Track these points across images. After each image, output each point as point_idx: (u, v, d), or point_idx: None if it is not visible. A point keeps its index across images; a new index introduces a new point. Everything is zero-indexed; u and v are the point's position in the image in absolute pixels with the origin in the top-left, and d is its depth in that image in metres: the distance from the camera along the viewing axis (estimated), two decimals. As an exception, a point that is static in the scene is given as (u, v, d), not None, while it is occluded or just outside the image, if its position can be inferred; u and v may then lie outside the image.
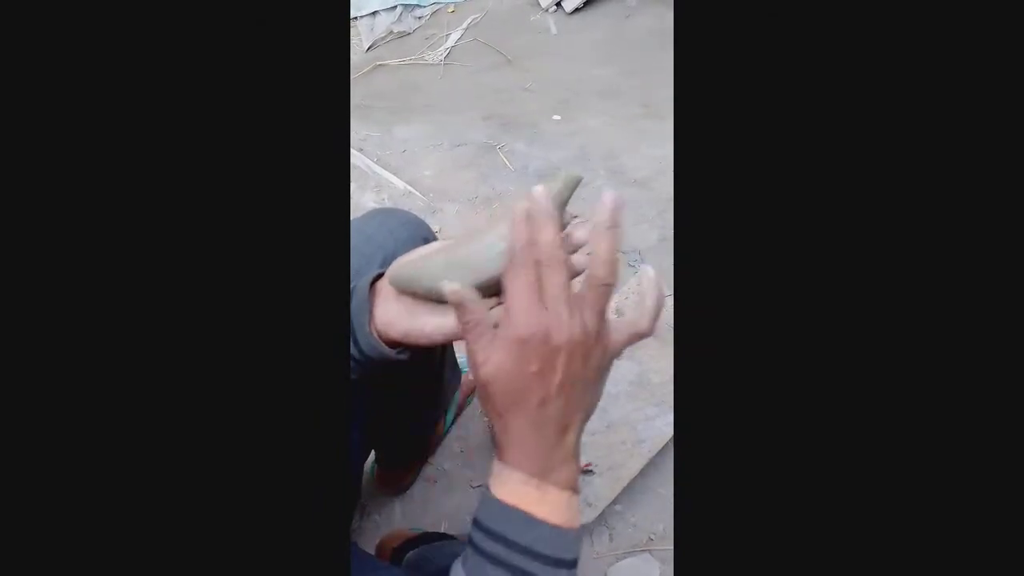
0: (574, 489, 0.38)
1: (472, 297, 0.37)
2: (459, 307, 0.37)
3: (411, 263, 0.41)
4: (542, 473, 0.36)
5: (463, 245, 0.40)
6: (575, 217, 0.42)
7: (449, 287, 0.37)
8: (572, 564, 0.37)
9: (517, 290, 0.35)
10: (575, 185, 0.40)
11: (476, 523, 0.37)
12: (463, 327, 0.37)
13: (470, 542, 0.37)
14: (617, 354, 0.38)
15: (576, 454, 0.38)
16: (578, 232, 0.39)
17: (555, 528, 0.36)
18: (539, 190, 0.36)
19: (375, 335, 0.42)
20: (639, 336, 0.37)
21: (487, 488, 0.38)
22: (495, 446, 0.38)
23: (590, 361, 0.36)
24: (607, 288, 0.35)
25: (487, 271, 0.39)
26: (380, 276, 0.44)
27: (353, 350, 0.43)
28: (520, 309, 0.35)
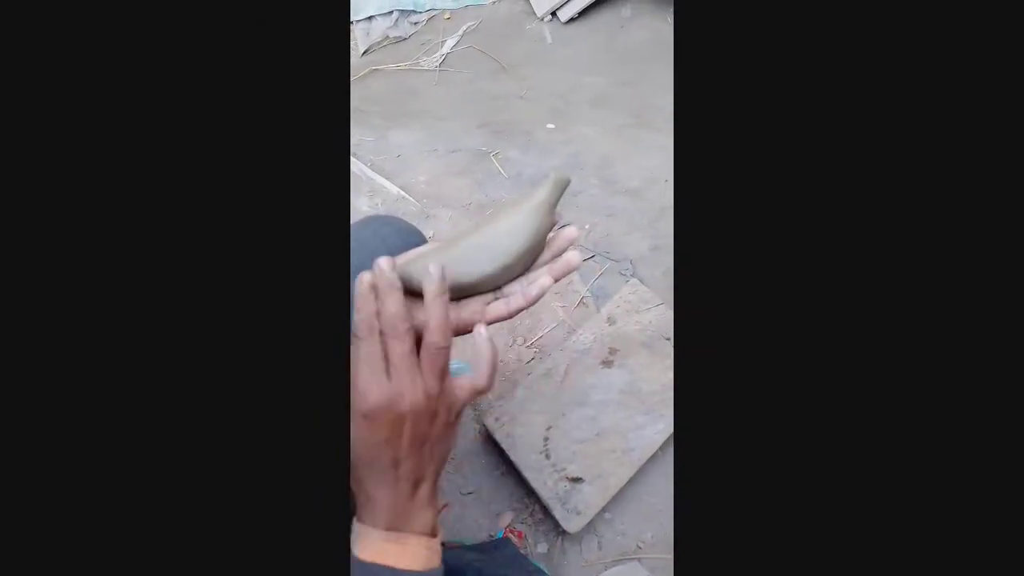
0: (433, 532, 0.41)
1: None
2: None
3: (398, 267, 0.42)
4: (400, 525, 0.40)
5: (452, 246, 0.41)
6: (565, 224, 0.43)
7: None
8: None
9: (361, 363, 0.38)
10: (564, 187, 0.42)
11: None
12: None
13: None
14: (461, 410, 0.41)
15: (432, 502, 0.42)
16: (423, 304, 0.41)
17: (418, 574, 0.39)
18: (382, 261, 0.39)
19: None
20: (480, 392, 0.41)
21: (352, 554, 0.40)
22: (356, 508, 0.41)
23: (436, 420, 0.40)
24: (444, 350, 0.38)
25: (476, 272, 0.41)
26: None
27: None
28: (365, 382, 0.38)
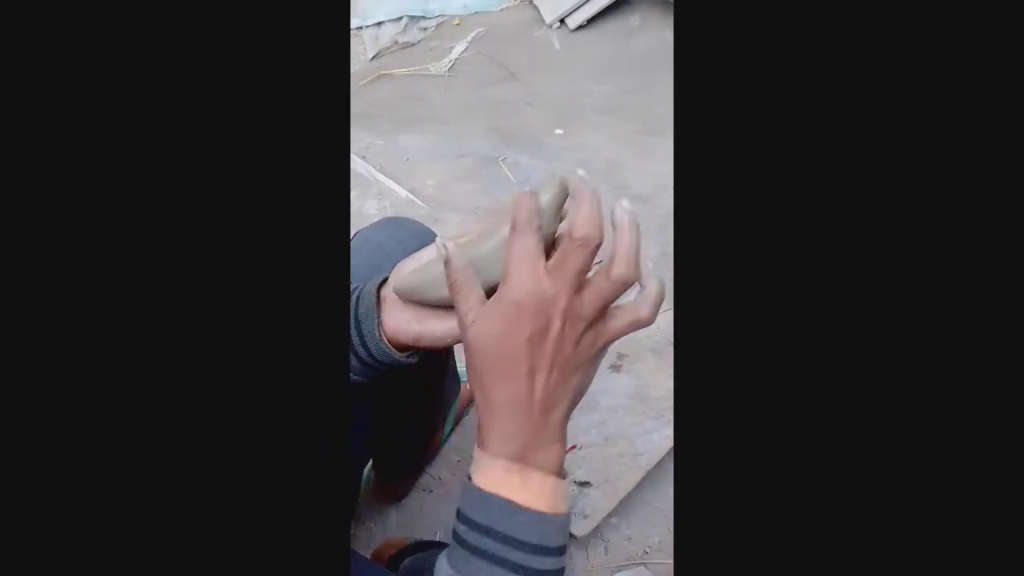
0: (559, 473, 0.36)
1: (458, 257, 0.36)
2: (448, 265, 0.36)
3: (413, 274, 0.41)
4: (524, 455, 0.35)
5: (469, 247, 0.40)
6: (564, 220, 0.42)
7: (438, 242, 0.36)
8: (558, 551, 0.36)
9: (518, 254, 0.34)
10: (568, 192, 0.39)
11: (459, 515, 0.36)
12: (451, 286, 0.36)
13: (454, 534, 0.36)
14: (613, 340, 0.37)
15: (562, 437, 0.37)
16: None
17: (539, 515, 0.35)
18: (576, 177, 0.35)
19: (384, 340, 0.42)
20: (639, 324, 0.36)
21: (468, 478, 0.36)
22: (477, 430, 0.37)
23: (584, 340, 0.35)
24: (623, 286, 0.34)
25: (494, 273, 0.39)
26: (384, 280, 0.44)
27: (363, 355, 0.43)
28: (520, 272, 0.34)
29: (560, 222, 0.40)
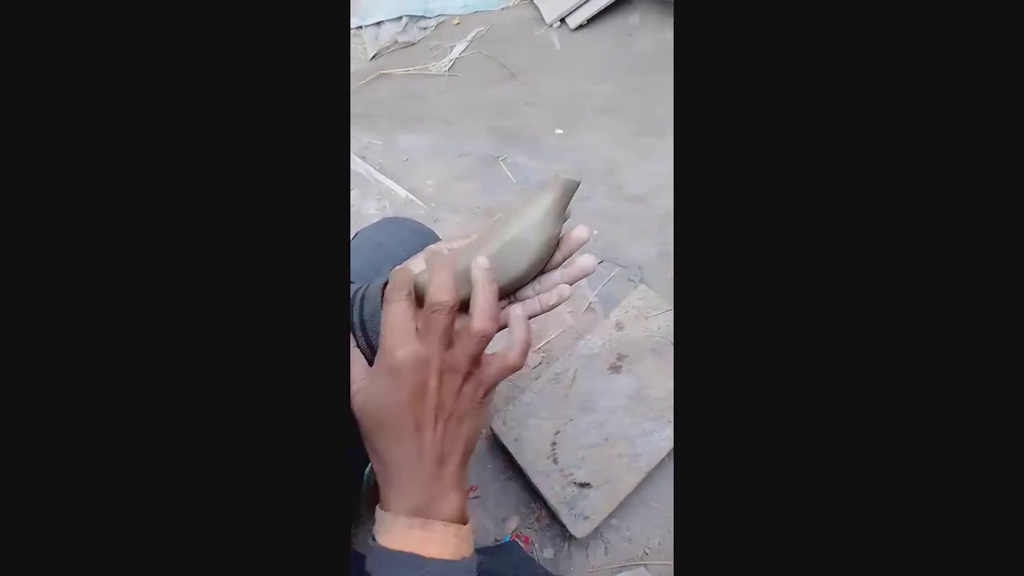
0: (461, 519, 0.38)
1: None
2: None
3: (421, 275, 0.41)
4: (424, 508, 0.37)
5: (460, 256, 0.41)
6: (570, 226, 0.43)
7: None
8: None
9: (391, 321, 0.37)
10: (574, 190, 0.41)
11: None
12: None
13: None
14: (492, 386, 0.39)
15: (459, 485, 0.39)
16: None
17: (445, 563, 0.36)
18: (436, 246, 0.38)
19: None
20: (510, 370, 0.39)
21: (373, 539, 0.37)
22: (376, 492, 0.39)
23: (464, 390, 0.38)
24: (485, 339, 0.37)
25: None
26: (387, 283, 0.44)
27: (369, 353, 0.43)
28: (392, 338, 0.36)
29: (563, 223, 0.41)
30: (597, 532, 0.88)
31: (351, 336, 0.41)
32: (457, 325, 0.38)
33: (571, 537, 0.86)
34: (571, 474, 0.88)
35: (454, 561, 0.36)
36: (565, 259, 0.42)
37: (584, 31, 1.57)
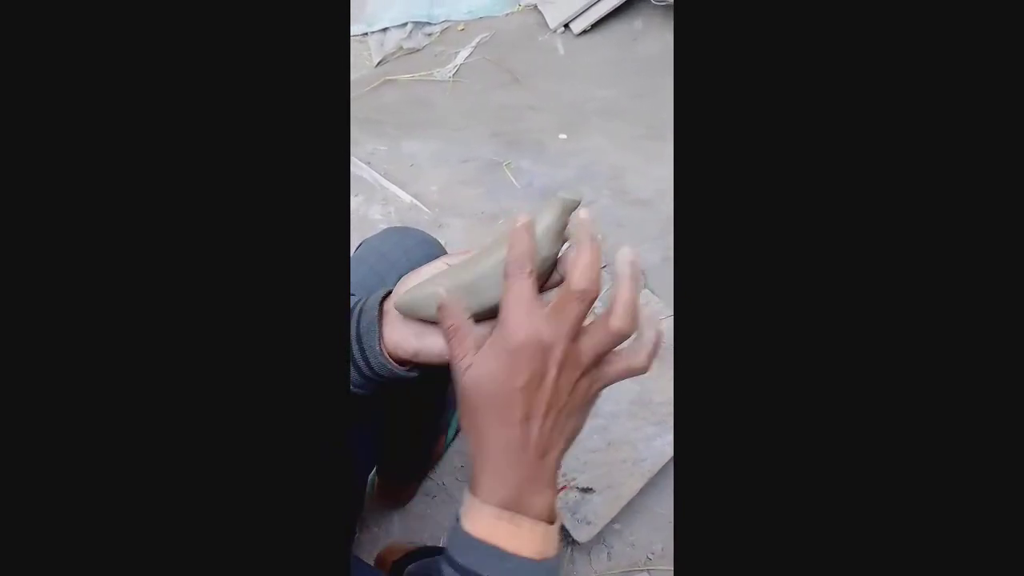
0: (550, 519, 0.36)
1: (456, 301, 0.36)
2: (441, 311, 0.36)
3: (412, 290, 0.41)
4: (516, 501, 0.35)
5: (466, 269, 0.40)
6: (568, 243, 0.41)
7: (436, 290, 0.36)
8: None
9: (514, 299, 0.34)
10: (572, 208, 0.39)
11: (447, 558, 0.36)
12: (446, 332, 0.36)
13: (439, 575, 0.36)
14: (607, 386, 0.37)
15: (554, 482, 0.37)
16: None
17: (527, 562, 0.34)
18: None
19: (385, 354, 0.42)
20: (634, 372, 0.36)
21: (457, 521, 0.36)
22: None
23: (579, 386, 0.35)
24: (620, 338, 0.34)
25: (490, 297, 0.38)
26: (388, 294, 0.44)
27: (364, 368, 0.43)
28: (516, 318, 0.34)
29: (562, 244, 0.39)
30: (600, 537, 0.88)
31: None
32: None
33: (574, 542, 0.87)
34: (574, 479, 0.88)
35: (537, 561, 0.35)
36: (563, 279, 0.40)
37: (588, 36, 1.57)
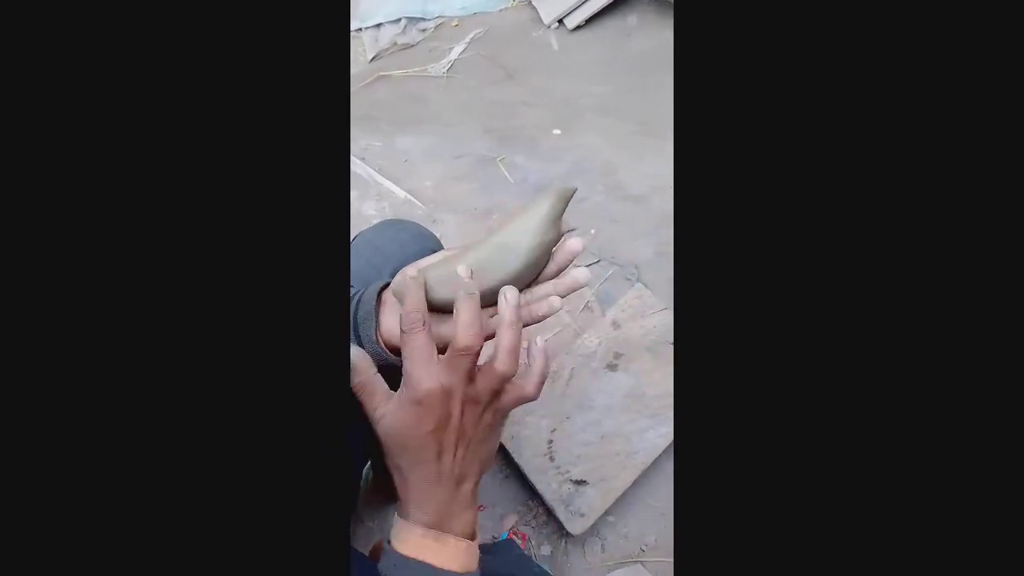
0: (471, 536, 0.41)
1: (362, 361, 0.40)
2: (353, 369, 0.39)
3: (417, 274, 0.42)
4: (440, 524, 0.39)
5: (459, 258, 0.41)
6: (571, 229, 0.43)
7: (356, 353, 0.39)
8: None
9: (415, 351, 0.38)
10: (568, 198, 0.41)
11: None
12: (356, 388, 0.40)
13: None
14: (505, 415, 0.41)
15: (472, 503, 0.41)
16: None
17: (454, 575, 0.39)
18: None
19: (381, 343, 0.44)
20: (525, 399, 0.41)
21: (388, 543, 0.40)
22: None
23: (483, 419, 0.40)
24: (506, 377, 0.39)
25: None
26: (387, 286, 0.45)
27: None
28: (418, 370, 0.38)
29: (558, 231, 0.42)
30: (594, 529, 0.89)
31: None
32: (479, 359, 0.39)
33: (568, 534, 0.87)
34: (568, 472, 0.89)
35: (461, 574, 0.39)
36: (560, 270, 0.43)
37: (582, 32, 1.58)
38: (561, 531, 0.89)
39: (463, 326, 0.37)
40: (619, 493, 0.88)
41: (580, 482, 0.88)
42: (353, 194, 1.31)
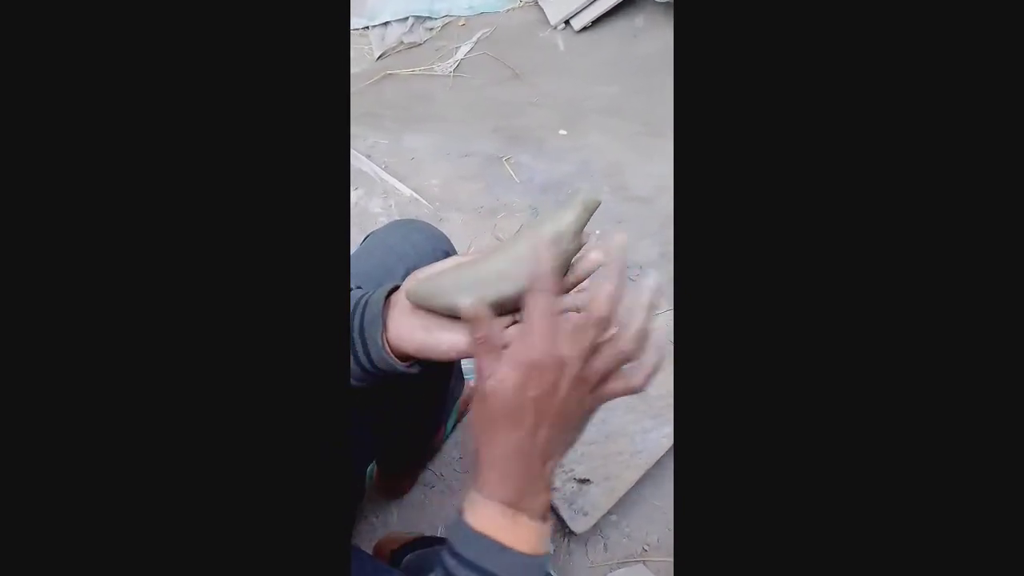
0: (544, 518, 0.40)
1: (487, 314, 0.38)
2: (473, 322, 0.38)
3: (429, 279, 0.42)
4: (517, 501, 0.38)
5: (481, 263, 0.41)
6: (593, 232, 0.43)
7: (466, 302, 0.38)
8: None
9: (538, 313, 0.36)
10: (594, 209, 0.40)
11: (449, 548, 0.38)
12: (475, 342, 0.38)
13: (441, 564, 0.38)
14: (606, 401, 0.40)
15: (550, 486, 0.40)
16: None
17: (523, 556, 0.37)
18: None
19: (387, 348, 0.43)
20: (632, 391, 0.39)
21: (460, 515, 0.39)
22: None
23: (584, 402, 0.38)
24: (627, 360, 0.37)
25: (503, 290, 0.40)
26: (395, 288, 0.44)
27: (364, 362, 0.43)
28: (539, 333, 0.36)
29: (580, 242, 0.40)
30: (596, 528, 0.89)
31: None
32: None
33: (571, 533, 0.88)
34: (571, 470, 0.89)
35: (531, 556, 0.38)
36: (578, 282, 0.42)
37: (588, 33, 1.58)
38: (564, 529, 0.90)
39: (606, 296, 0.35)
40: (622, 493, 0.88)
41: (583, 481, 0.89)
42: (359, 192, 1.31)
